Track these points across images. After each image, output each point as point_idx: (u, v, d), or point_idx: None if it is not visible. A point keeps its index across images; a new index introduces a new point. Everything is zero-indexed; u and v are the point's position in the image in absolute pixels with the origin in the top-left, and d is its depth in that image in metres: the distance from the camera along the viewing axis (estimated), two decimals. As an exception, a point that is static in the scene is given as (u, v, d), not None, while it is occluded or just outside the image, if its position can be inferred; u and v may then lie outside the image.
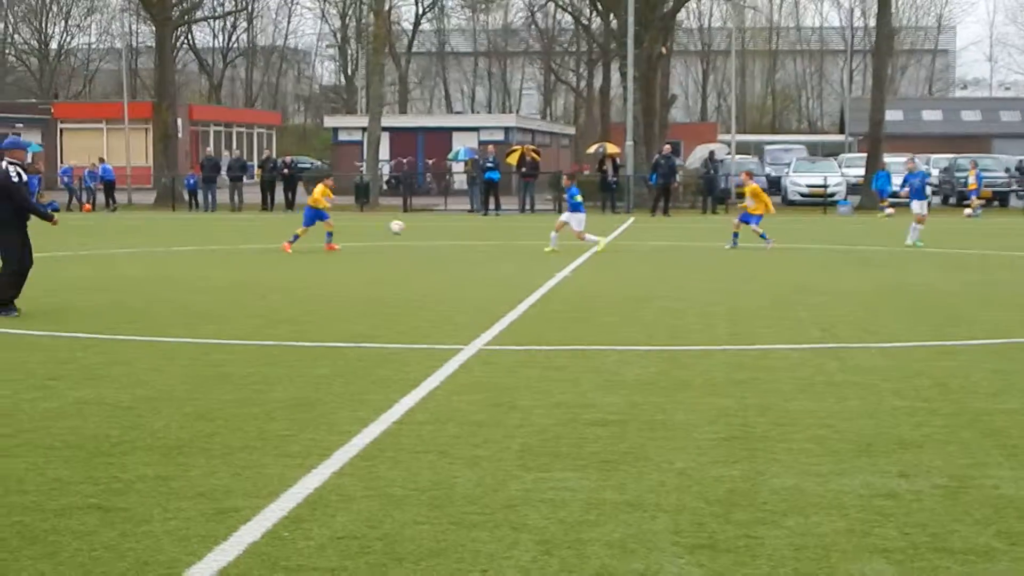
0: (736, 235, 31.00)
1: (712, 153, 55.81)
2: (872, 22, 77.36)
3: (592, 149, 60.27)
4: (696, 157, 67.63)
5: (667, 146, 53.70)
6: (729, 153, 63.99)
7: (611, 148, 56.73)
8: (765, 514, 7.83)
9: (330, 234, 30.08)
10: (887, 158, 56.49)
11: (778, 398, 11.52)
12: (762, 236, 30.05)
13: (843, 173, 59.75)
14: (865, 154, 59.94)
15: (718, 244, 30.59)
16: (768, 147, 77.58)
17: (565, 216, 29.94)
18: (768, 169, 64.92)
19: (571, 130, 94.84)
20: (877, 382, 12.31)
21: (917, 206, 32.52)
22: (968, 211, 49.52)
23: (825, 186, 55.63)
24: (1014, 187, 58.48)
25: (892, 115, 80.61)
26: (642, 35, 56.72)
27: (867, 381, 12.37)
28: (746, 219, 30.74)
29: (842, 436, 9.96)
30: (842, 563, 6.91)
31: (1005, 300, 19.78)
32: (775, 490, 8.38)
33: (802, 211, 53.86)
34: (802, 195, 57.39)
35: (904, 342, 15.15)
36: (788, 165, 62.32)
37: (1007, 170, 61.55)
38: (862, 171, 57.87)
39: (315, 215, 30.00)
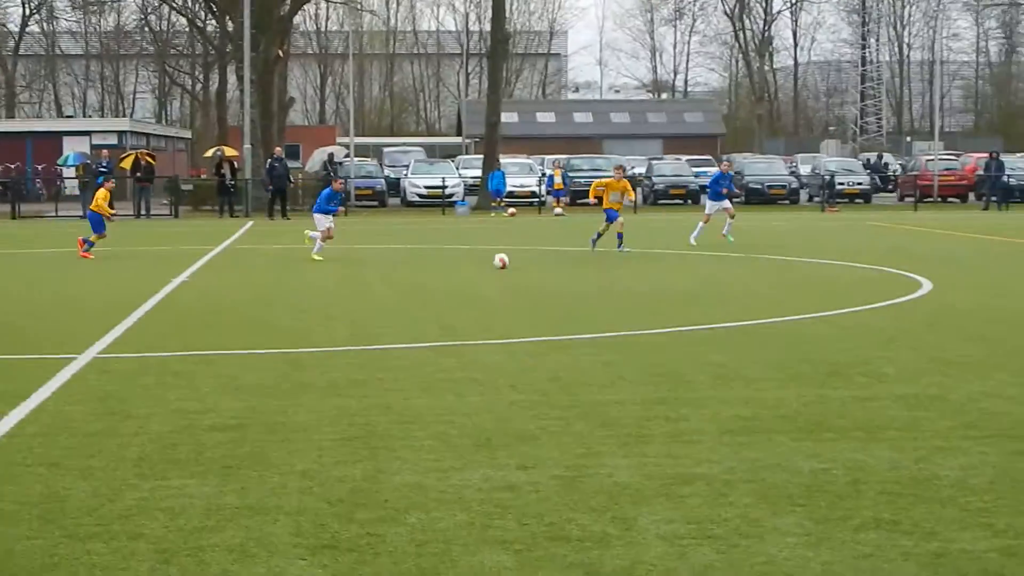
0: (620, 236, 29.28)
1: (331, 156, 55.85)
2: (487, 26, 78.87)
3: (209, 153, 59.48)
4: (315, 160, 67.54)
5: (277, 148, 53.24)
6: (348, 156, 64.11)
7: (229, 151, 56.09)
8: (387, 512, 7.84)
9: (89, 245, 29.54)
10: (503, 159, 57.67)
11: (399, 396, 11.57)
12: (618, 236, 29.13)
13: (460, 174, 60.70)
14: (482, 155, 61.04)
15: (339, 247, 30.54)
16: (387, 149, 78.14)
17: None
18: (387, 171, 65.34)
19: (187, 134, 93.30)
20: (495, 377, 12.52)
21: (713, 207, 32.89)
22: (557, 210, 50.98)
23: (443, 187, 56.36)
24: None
25: (508, 117, 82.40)
26: (258, 38, 56.24)
27: (486, 377, 12.56)
28: (612, 215, 29.13)
29: (462, 432, 10.07)
30: (463, 556, 6.98)
31: (617, 295, 20.44)
32: (397, 487, 8.41)
33: (421, 212, 54.45)
34: (420, 196, 58.01)
35: (521, 338, 15.45)
36: (407, 167, 62.89)
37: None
38: (479, 172, 58.92)
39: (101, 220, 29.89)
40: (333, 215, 28.85)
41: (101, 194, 30.39)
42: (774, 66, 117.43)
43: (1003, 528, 7.43)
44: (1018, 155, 67.16)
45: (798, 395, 11.48)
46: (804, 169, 67.66)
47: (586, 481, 8.53)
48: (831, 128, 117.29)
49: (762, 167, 61.65)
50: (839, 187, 58.23)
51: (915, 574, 6.65)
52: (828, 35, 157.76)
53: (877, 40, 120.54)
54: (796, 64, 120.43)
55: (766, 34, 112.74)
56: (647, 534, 7.36)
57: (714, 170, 69.06)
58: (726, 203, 32.84)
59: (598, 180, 31.71)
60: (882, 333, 15.61)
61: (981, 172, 58.80)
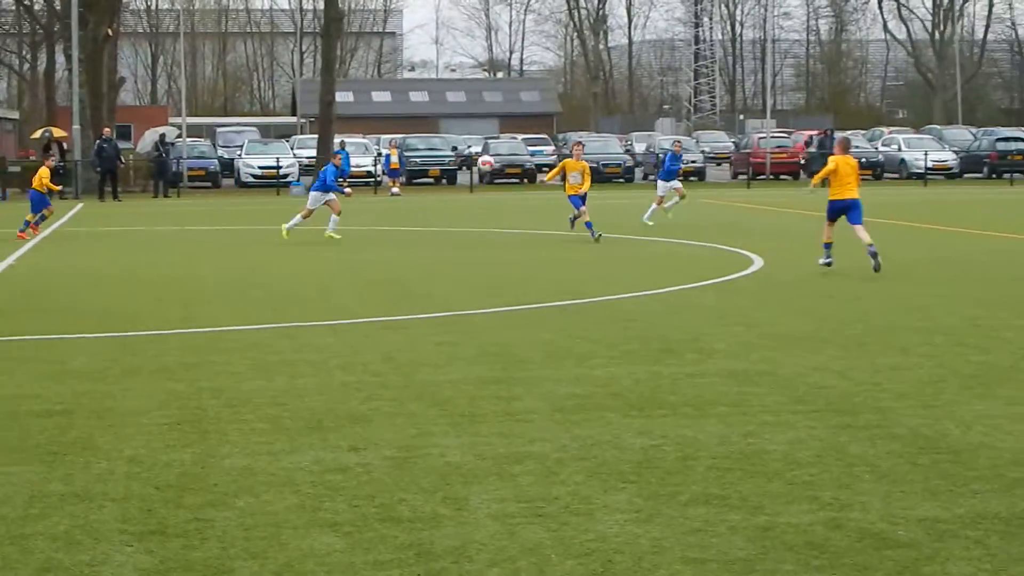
0: (590, 224, 26.28)
1: (163, 136, 54.96)
2: (321, 5, 78.26)
3: (38, 134, 58.23)
4: (147, 141, 66.45)
5: (107, 129, 52.22)
6: (180, 136, 63.20)
7: (57, 132, 54.98)
8: (216, 496, 7.74)
9: (40, 219, 29.77)
10: (345, 139, 57.28)
11: (231, 379, 11.44)
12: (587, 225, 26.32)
13: (295, 154, 60.19)
14: (316, 135, 60.61)
15: (171, 228, 30.06)
16: (220, 129, 77.22)
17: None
18: (220, 152, 64.56)
19: (15, 114, 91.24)
20: (328, 359, 12.44)
21: (665, 187, 32.40)
22: (394, 190, 50.86)
23: (278, 167, 55.85)
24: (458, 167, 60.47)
25: (343, 96, 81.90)
26: (87, 16, 55.14)
27: (319, 358, 12.47)
28: (576, 202, 26.62)
29: (294, 414, 9.98)
30: (292, 539, 6.91)
31: (454, 275, 20.45)
32: (227, 471, 8.30)
33: (256, 193, 53.91)
34: (255, 177, 57.42)
35: (356, 318, 15.37)
36: (240, 147, 62.21)
37: (454, 149, 63.76)
38: (314, 152, 58.49)
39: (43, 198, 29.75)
40: (335, 192, 27.89)
41: (44, 172, 30.29)
42: (609, 44, 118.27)
43: (828, 501, 7.56)
44: (848, 132, 68.55)
45: (630, 372, 11.58)
46: (639, 147, 68.29)
47: (418, 461, 8.51)
48: (666, 106, 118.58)
49: (597, 146, 62.03)
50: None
51: (742, 548, 6.73)
52: (662, 13, 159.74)
53: (710, 19, 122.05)
54: (631, 42, 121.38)
55: (601, 12, 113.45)
56: (478, 513, 7.36)
57: (549, 148, 69.96)
58: (677, 183, 32.70)
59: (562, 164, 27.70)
60: (713, 310, 15.81)
61: (813, 149, 59.88)
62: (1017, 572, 6.36)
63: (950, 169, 59.61)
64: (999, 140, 60.96)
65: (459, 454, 8.70)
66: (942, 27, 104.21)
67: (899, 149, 61.80)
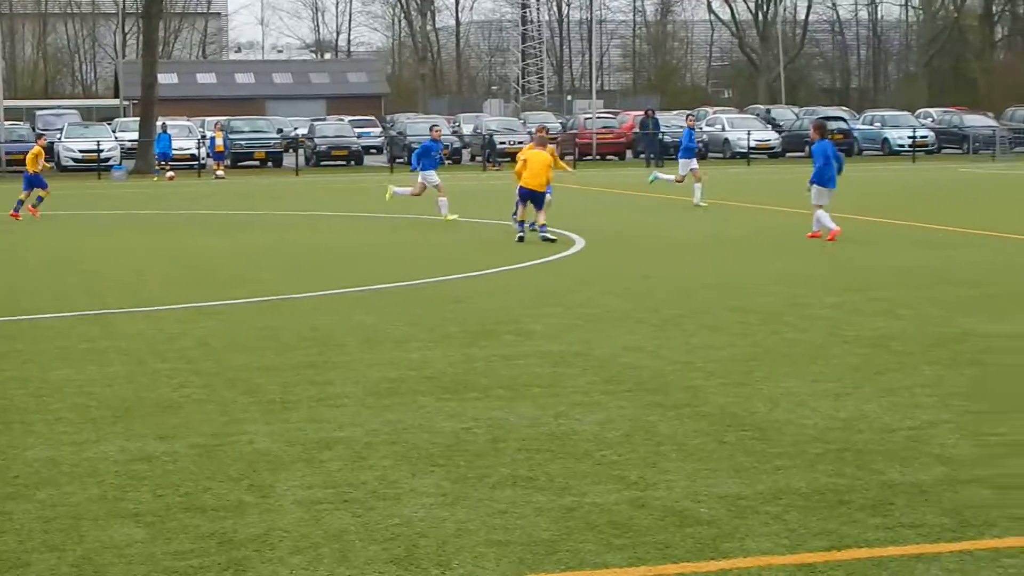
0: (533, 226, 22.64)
1: (-20, 119, 53.56)
2: (142, -15, 76.88)
3: None
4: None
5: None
6: (-1, 119, 61.64)
7: None
8: (16, 488, 7.58)
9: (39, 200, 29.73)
10: (168, 121, 56.36)
11: (38, 369, 11.21)
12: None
13: (117, 138, 59.12)
14: (139, 118, 59.58)
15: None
16: (40, 112, 75.49)
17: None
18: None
19: None
20: (140, 346, 12.25)
21: (686, 165, 31.25)
22: (219, 173, 50.18)
23: (99, 151, 54.79)
24: (285, 149, 59.97)
25: (166, 78, 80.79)
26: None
27: (131, 346, 12.27)
28: (526, 195, 22.64)
29: (102, 403, 9.81)
30: (92, 531, 6.79)
31: (278, 259, 20.26)
32: (29, 463, 8.14)
33: (76, 177, 52.85)
34: (75, 161, 56.21)
35: (173, 304, 15.15)
36: (61, 130, 60.92)
37: (280, 131, 63.18)
38: (136, 135, 57.50)
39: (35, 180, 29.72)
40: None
41: (36, 151, 30.30)
42: (437, 25, 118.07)
43: (634, 480, 7.63)
44: (674, 112, 69.37)
45: (445, 355, 11.58)
46: (467, 128, 68.27)
47: (226, 449, 8.42)
48: (494, 87, 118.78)
49: (425, 127, 61.90)
50: (501, 146, 58.97)
51: (546, 529, 6.77)
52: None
53: (537, 0, 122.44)
54: (458, 23, 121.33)
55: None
56: (284, 500, 7.30)
57: (376, 130, 69.65)
58: (695, 163, 31.46)
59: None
60: (533, 291, 15.88)
61: (638, 130, 60.43)
62: (814, 546, 6.48)
63: (773, 148, 60.56)
64: (826, 119, 62.04)
65: (268, 441, 8.62)
66: (765, 8, 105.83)
67: (723, 129, 62.63)
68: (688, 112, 47.13)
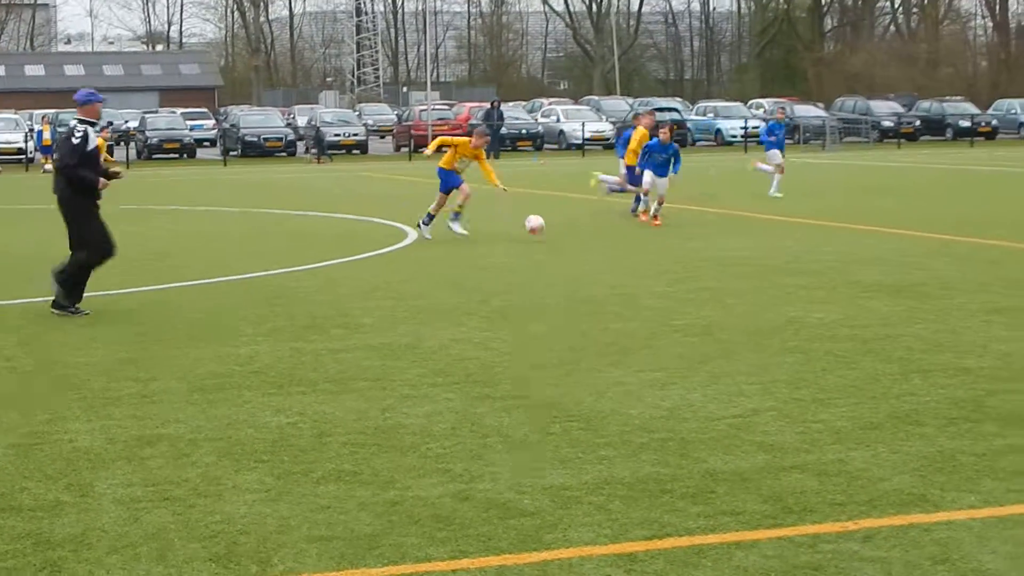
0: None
1: None
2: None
3: None
4: None
5: None
6: None
7: None
8: None
9: None
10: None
11: None
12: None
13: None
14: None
15: None
16: None
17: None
18: None
19: None
20: (-41, 344, 11.95)
21: (778, 155, 30.37)
22: (47, 167, 49.15)
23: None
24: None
25: (-8, 70, 78.90)
26: None
27: (-51, 344, 11.97)
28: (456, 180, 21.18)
29: (-84, 403, 9.55)
30: (-99, 537, 6.60)
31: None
32: None
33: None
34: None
35: (-7, 301, 14.82)
36: None
37: (109, 123, 62.09)
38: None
39: None
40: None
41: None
42: (270, 17, 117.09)
43: (460, 473, 7.62)
44: (510, 104, 69.56)
45: (272, 350, 11.47)
46: (301, 121, 67.79)
47: (45, 448, 8.24)
48: (329, 79, 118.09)
49: (258, 119, 61.43)
50: (335, 138, 58.67)
51: (368, 524, 6.73)
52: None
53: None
54: (292, 15, 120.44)
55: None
56: (103, 499, 7.17)
57: (210, 123, 68.82)
58: (779, 155, 30.49)
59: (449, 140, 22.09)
60: (364, 284, 15.80)
61: (475, 121, 60.51)
62: (636, 535, 6.53)
63: (607, 139, 61.05)
64: (654, 110, 62.66)
65: (89, 438, 8.46)
66: (599, 0, 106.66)
67: (558, 120, 63.00)
68: (781, 104, 46.38)
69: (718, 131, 64.01)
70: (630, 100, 74.24)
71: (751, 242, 20.06)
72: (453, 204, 21.05)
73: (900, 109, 67.10)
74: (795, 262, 17.43)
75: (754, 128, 62.25)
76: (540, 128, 62.36)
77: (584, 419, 8.87)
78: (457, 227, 20.80)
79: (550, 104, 70.78)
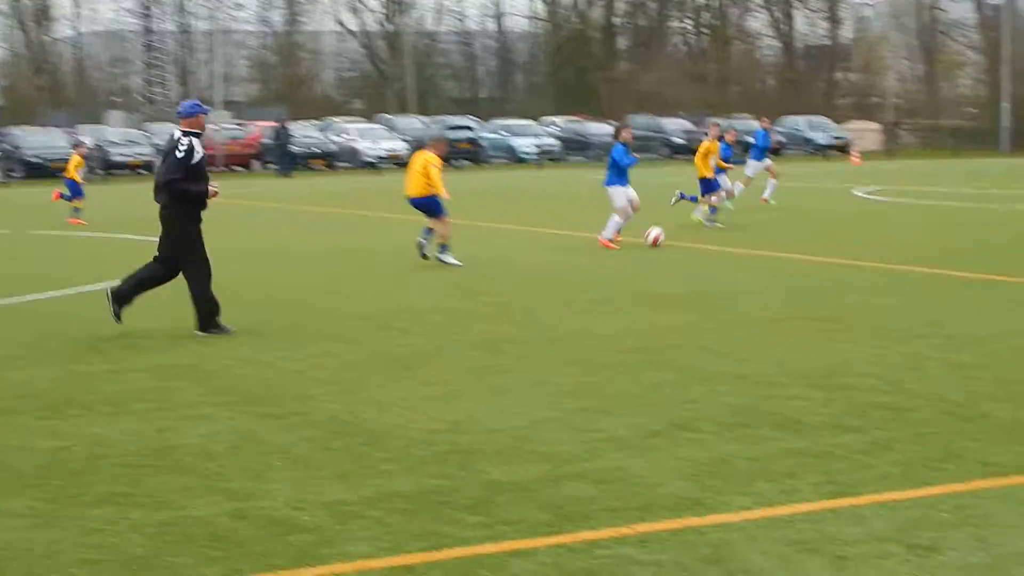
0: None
1: None
2: None
3: None
4: None
5: None
6: None
7: None
8: None
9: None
10: None
11: None
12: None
13: None
14: None
15: None
16: None
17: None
18: None
19: None
20: None
21: (762, 165, 30.45)
22: None
23: None
24: None
25: None
26: None
27: None
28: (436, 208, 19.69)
29: None
30: None
31: None
32: None
33: None
34: None
35: None
36: None
37: None
38: None
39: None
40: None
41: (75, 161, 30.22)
42: (54, 36, 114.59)
43: (237, 491, 7.50)
44: (300, 122, 69.05)
45: (49, 373, 11.17)
46: (88, 141, 66.35)
47: None
48: (116, 98, 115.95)
49: (41, 139, 59.99)
50: (121, 158, 57.68)
51: (141, 545, 6.57)
52: (110, 4, 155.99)
53: (161, 9, 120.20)
54: (79, 34, 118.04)
55: (44, 3, 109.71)
56: None
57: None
58: (768, 162, 31.04)
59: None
60: (145, 304, 15.44)
61: (266, 140, 60.06)
62: (414, 547, 6.49)
63: (400, 157, 61.01)
64: (448, 128, 62.84)
65: None
66: (394, 19, 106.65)
67: (352, 139, 62.79)
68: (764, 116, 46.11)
69: (511, 148, 64.41)
70: (424, 119, 74.27)
71: (543, 257, 20.20)
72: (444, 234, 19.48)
73: (690, 126, 68.29)
74: (584, 274, 17.58)
75: (547, 146, 62.90)
76: (333, 146, 62.07)
77: (367, 434, 8.80)
78: (449, 258, 19.14)
79: (344, 122, 70.49)
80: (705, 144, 26.08)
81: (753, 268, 18.28)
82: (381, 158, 59.03)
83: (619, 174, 21.74)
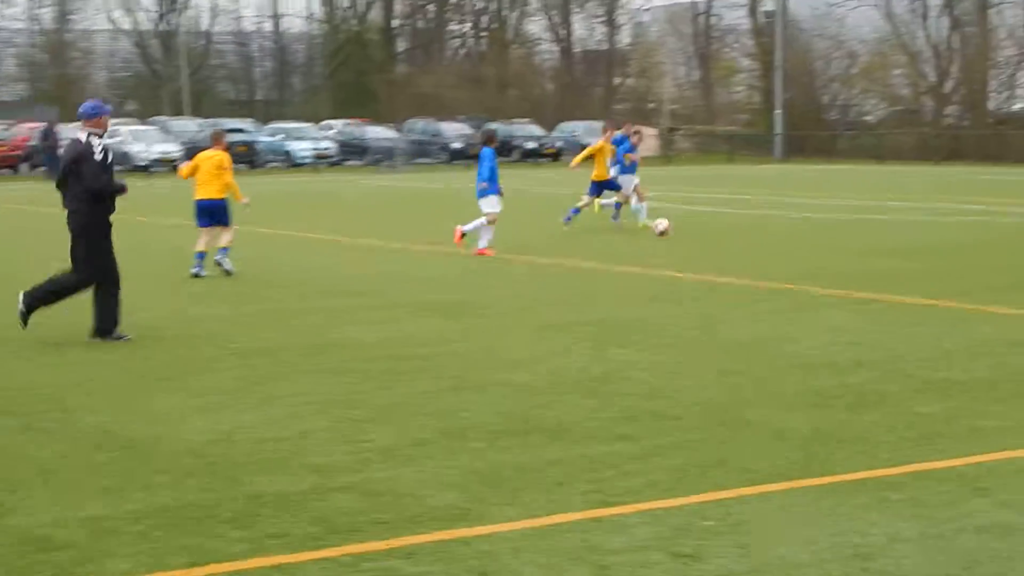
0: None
1: None
2: None
3: None
4: None
5: None
6: None
7: None
8: None
9: None
10: None
11: None
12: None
13: None
14: None
15: None
16: None
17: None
18: None
19: None
20: None
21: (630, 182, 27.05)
22: None
23: None
24: None
25: None
26: None
27: None
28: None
29: None
30: None
31: None
32: None
33: None
34: None
35: None
36: None
37: None
38: None
39: None
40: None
41: None
42: None
43: (-6, 507, 7.27)
44: (72, 125, 67.48)
45: None
46: None
47: None
48: None
49: None
50: None
51: None
52: None
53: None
54: None
55: None
56: None
57: None
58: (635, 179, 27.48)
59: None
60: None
61: (34, 142, 58.58)
62: (176, 563, 6.35)
63: (174, 161, 60.02)
64: (227, 132, 61.98)
65: None
66: (168, 18, 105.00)
67: (124, 141, 61.55)
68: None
69: (287, 152, 63.88)
70: (200, 120, 73.20)
71: (317, 261, 20.05)
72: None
73: (469, 131, 68.53)
74: (360, 282, 17.51)
75: (324, 149, 62.53)
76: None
77: (132, 446, 8.61)
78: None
79: (116, 124, 69.07)
80: (599, 144, 26.22)
81: (515, 275, 18.40)
82: (154, 161, 57.97)
83: (495, 182, 21.45)
